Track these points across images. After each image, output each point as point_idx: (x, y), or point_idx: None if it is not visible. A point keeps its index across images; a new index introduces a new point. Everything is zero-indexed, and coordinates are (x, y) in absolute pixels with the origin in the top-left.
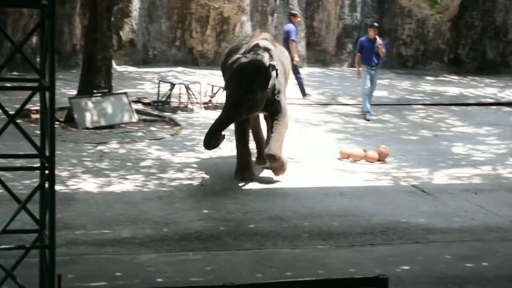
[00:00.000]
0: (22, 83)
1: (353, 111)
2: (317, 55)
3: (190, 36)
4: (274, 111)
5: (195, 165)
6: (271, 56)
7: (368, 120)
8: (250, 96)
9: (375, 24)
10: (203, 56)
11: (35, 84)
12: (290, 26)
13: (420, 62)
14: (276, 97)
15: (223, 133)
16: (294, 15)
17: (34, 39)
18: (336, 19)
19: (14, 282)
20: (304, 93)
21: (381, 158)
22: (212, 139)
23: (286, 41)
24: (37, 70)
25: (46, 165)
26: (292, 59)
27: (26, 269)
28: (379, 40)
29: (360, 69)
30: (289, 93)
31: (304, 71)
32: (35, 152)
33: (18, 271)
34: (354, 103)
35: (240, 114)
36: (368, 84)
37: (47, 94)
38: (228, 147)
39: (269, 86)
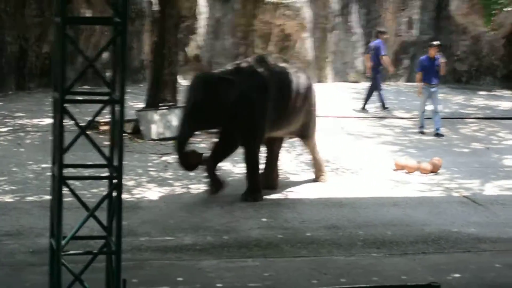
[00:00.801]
0: (93, 97)
1: (408, 124)
2: None
3: (253, 52)
4: (242, 127)
5: None
6: (235, 72)
7: (423, 133)
8: (193, 110)
9: (435, 43)
10: None
11: (106, 98)
12: (378, 43)
13: (474, 77)
14: (244, 112)
15: (200, 151)
16: (382, 32)
17: (105, 54)
18: (393, 35)
19: (82, 286)
20: (383, 106)
21: (434, 170)
22: (180, 159)
23: (375, 56)
24: (108, 84)
25: (114, 174)
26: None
27: (93, 274)
28: (442, 59)
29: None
30: (345, 106)
31: (362, 85)
32: (103, 162)
33: (86, 275)
34: (409, 117)
35: (190, 128)
36: (427, 101)
37: (116, 107)
38: (285, 159)
39: (226, 100)
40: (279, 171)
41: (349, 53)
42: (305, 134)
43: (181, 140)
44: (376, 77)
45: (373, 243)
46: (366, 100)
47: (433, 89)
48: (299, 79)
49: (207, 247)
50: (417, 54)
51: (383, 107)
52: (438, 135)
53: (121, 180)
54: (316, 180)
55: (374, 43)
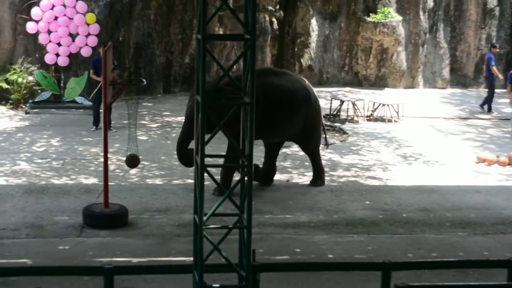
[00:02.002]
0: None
1: (488, 124)
2: (459, 78)
3: (356, 63)
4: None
5: (359, 166)
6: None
7: None
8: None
9: None
10: (366, 79)
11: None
12: (490, 55)
13: None
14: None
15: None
16: (494, 47)
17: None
18: (474, 49)
19: (220, 254)
20: (488, 108)
21: (511, 163)
22: (180, 155)
23: (488, 66)
24: (240, 89)
25: (246, 163)
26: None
27: (227, 244)
28: None
29: None
30: (434, 108)
31: (447, 91)
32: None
33: (221, 245)
34: (489, 118)
35: (190, 131)
36: None
37: (248, 108)
38: (385, 152)
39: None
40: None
41: (437, 64)
42: (302, 140)
43: (184, 139)
44: (491, 83)
45: (459, 224)
46: (487, 102)
47: None
48: (293, 91)
49: (319, 224)
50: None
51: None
52: None
53: (252, 167)
54: (311, 184)
55: (487, 55)
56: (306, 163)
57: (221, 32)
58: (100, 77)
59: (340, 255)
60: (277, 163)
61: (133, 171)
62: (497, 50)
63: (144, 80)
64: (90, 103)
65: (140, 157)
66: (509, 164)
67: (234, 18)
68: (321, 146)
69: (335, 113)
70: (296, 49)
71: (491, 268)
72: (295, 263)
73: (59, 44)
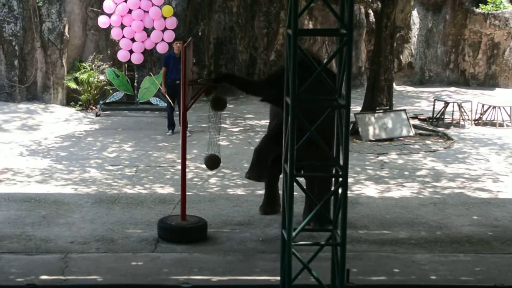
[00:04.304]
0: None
1: None
2: None
3: (463, 60)
4: None
5: (466, 176)
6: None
7: None
8: None
9: None
10: (475, 77)
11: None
12: None
13: None
14: None
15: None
16: None
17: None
18: None
19: (310, 273)
20: None
21: None
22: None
23: None
24: (335, 90)
25: (340, 173)
26: None
27: (316, 262)
28: None
29: None
30: None
31: None
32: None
33: (312, 264)
34: None
35: None
36: None
37: (343, 111)
38: (495, 160)
39: None
40: None
41: None
42: None
43: None
44: None
45: None
46: None
47: None
48: None
49: (421, 241)
50: None
51: None
52: None
53: (347, 178)
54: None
55: None
56: (406, 173)
57: (311, 26)
58: (172, 77)
59: (444, 277)
60: (373, 172)
61: (213, 179)
62: None
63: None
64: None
65: (221, 164)
66: None
67: (327, 9)
68: None
69: (438, 116)
70: (395, 45)
71: None
72: (393, 285)
73: (133, 40)
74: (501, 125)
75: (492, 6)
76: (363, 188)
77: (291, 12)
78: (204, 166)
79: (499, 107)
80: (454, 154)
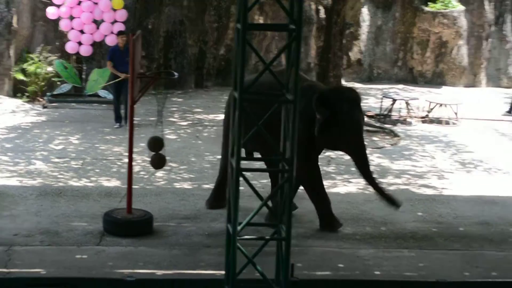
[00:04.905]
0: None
1: None
2: None
3: (411, 58)
4: None
5: (411, 172)
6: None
7: None
8: None
9: None
10: (422, 75)
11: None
12: None
13: None
14: None
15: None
16: None
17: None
18: None
19: (254, 268)
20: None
21: None
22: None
23: None
24: (283, 86)
25: (287, 167)
26: None
27: (262, 257)
28: None
29: None
30: (498, 110)
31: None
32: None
33: (256, 258)
34: None
35: None
36: None
37: (291, 106)
38: (441, 158)
39: None
40: None
41: (502, 60)
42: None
43: None
44: None
45: None
46: None
47: None
48: None
49: (366, 237)
50: None
51: None
52: None
53: (293, 172)
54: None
55: None
56: (352, 169)
57: (261, 21)
58: (118, 70)
59: (388, 272)
60: (320, 168)
61: (160, 173)
62: None
63: (176, 73)
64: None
65: (168, 158)
66: None
67: (277, 5)
68: None
69: (386, 113)
70: (344, 41)
71: None
72: (337, 280)
73: (81, 32)
74: (447, 122)
75: (441, 5)
76: None
77: (240, 7)
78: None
79: (446, 105)
80: (400, 151)
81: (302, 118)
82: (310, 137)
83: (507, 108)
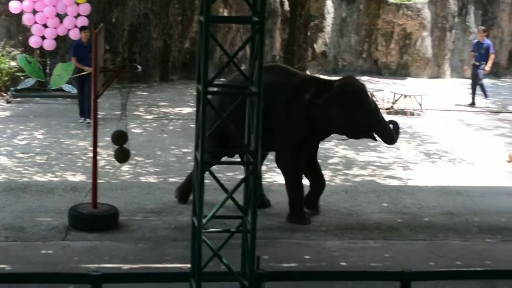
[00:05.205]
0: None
1: None
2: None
3: (376, 49)
4: None
5: (377, 164)
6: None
7: None
8: None
9: None
10: (387, 67)
11: (244, 90)
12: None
13: None
14: None
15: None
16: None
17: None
18: (509, 35)
19: (220, 260)
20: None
21: None
22: None
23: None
24: (246, 78)
25: (251, 160)
26: None
27: (228, 250)
28: None
29: None
30: (463, 100)
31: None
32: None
33: (221, 251)
34: None
35: None
36: None
37: (255, 98)
38: (406, 149)
39: None
40: None
41: (466, 51)
42: None
43: None
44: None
45: (487, 230)
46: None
47: None
48: None
49: (332, 228)
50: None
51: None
52: None
53: (258, 165)
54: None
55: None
56: (318, 161)
57: (225, 14)
58: (82, 64)
59: (354, 263)
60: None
61: (125, 167)
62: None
63: (139, 66)
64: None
65: (133, 152)
66: None
67: None
68: None
69: None
70: (309, 34)
71: None
72: (304, 272)
73: (45, 26)
74: (412, 114)
75: None
76: (276, 176)
77: None
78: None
79: (410, 96)
80: (365, 142)
81: (303, 108)
82: (308, 127)
83: (470, 100)
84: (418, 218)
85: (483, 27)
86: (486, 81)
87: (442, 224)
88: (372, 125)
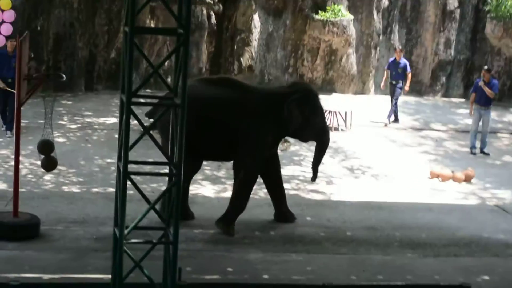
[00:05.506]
0: (154, 100)
1: (444, 137)
2: (413, 85)
3: (301, 65)
4: None
5: (301, 178)
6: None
7: (474, 154)
8: None
9: (486, 67)
10: (313, 82)
11: (168, 101)
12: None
13: (506, 95)
14: None
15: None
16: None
17: (166, 61)
18: (432, 54)
19: (141, 272)
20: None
21: (467, 180)
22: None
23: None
24: (170, 89)
25: (174, 171)
26: None
27: (150, 261)
28: (481, 82)
29: (473, 107)
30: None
31: (400, 99)
32: (163, 159)
33: (144, 262)
34: (445, 130)
35: None
36: (477, 122)
37: (178, 110)
38: (330, 163)
39: None
40: None
41: None
42: None
43: None
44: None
45: (408, 245)
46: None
47: (483, 111)
48: None
49: (254, 241)
50: (453, 72)
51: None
52: (484, 153)
53: (181, 177)
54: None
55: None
56: None
57: (152, 25)
58: (6, 75)
59: (276, 276)
60: (210, 172)
61: (48, 177)
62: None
63: (64, 75)
64: None
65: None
66: (465, 181)
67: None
68: None
69: None
70: (235, 47)
71: None
72: (226, 284)
73: None
74: (336, 129)
75: (331, 14)
76: (200, 188)
77: (128, 9)
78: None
79: (335, 112)
80: (290, 156)
81: (269, 120)
82: (274, 138)
83: (393, 117)
84: (341, 232)
85: (400, 46)
86: (409, 99)
87: (364, 238)
88: (323, 128)
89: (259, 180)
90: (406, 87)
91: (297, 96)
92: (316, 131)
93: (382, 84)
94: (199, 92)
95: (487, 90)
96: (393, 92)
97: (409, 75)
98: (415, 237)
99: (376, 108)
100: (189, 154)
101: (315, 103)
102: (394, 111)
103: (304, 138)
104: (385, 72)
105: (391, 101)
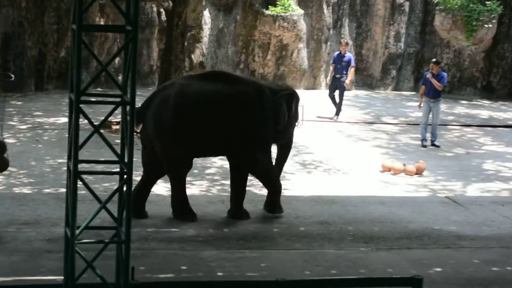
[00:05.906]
0: (105, 98)
1: (395, 130)
2: (364, 79)
3: (253, 60)
4: None
5: None
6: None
7: (425, 147)
8: None
9: (434, 60)
10: (264, 77)
11: (118, 99)
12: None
13: (456, 87)
14: None
15: None
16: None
17: (117, 59)
18: (382, 48)
19: (94, 272)
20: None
21: (419, 172)
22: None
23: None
24: (119, 87)
25: (125, 170)
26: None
27: (104, 261)
28: (429, 74)
29: (423, 100)
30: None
31: (351, 93)
32: (115, 158)
33: (97, 262)
34: (397, 123)
35: None
36: (427, 114)
37: (128, 108)
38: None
39: None
40: None
41: None
42: None
43: None
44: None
45: (361, 238)
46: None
47: (432, 104)
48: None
49: (209, 238)
50: (403, 65)
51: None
52: (434, 145)
53: (132, 175)
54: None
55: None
56: (195, 171)
57: (102, 23)
58: None
59: (230, 273)
60: None
61: None
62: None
63: (13, 76)
64: None
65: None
66: (416, 174)
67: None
68: None
69: None
70: (186, 44)
71: (394, 287)
72: (180, 282)
73: None
74: None
75: (281, 9)
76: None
77: (75, 7)
78: None
79: None
80: None
81: (269, 115)
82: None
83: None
84: (294, 228)
85: (346, 40)
86: (361, 93)
87: (317, 233)
88: (292, 133)
89: (214, 177)
90: (347, 81)
91: (287, 92)
92: (290, 134)
93: (328, 78)
94: (195, 89)
95: (435, 82)
96: (334, 86)
97: (352, 69)
98: (368, 230)
99: (328, 103)
100: (189, 152)
101: (297, 105)
102: (338, 104)
103: (279, 138)
104: (331, 66)
105: (329, 95)
